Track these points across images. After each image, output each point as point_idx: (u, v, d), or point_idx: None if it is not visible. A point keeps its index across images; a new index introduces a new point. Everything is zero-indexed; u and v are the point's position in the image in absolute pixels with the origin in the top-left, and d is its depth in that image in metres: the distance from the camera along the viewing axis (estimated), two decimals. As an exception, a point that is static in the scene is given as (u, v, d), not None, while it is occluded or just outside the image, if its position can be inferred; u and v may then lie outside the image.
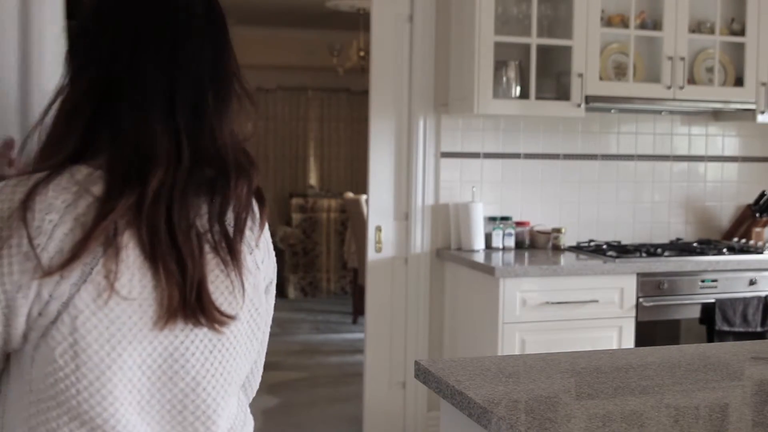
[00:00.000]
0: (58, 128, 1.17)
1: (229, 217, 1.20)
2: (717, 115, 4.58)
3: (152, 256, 1.13)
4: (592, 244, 4.29)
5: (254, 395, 1.41)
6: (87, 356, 1.11)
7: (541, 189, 4.37)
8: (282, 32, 9.30)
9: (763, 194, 4.58)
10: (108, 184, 1.13)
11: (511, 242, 4.17)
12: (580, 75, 3.98)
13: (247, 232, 1.23)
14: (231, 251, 1.19)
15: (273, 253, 1.32)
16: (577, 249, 4.21)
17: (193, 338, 1.18)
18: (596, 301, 3.76)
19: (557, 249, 4.20)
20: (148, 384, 1.16)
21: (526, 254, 4.10)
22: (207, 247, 1.17)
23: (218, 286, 1.18)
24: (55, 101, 1.18)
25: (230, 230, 1.20)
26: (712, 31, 4.24)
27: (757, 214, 4.54)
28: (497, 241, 4.14)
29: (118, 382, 1.13)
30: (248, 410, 1.35)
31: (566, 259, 3.98)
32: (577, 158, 4.42)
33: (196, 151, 1.17)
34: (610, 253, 4.03)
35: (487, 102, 3.90)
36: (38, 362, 1.12)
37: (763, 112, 4.27)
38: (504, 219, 4.20)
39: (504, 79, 4.04)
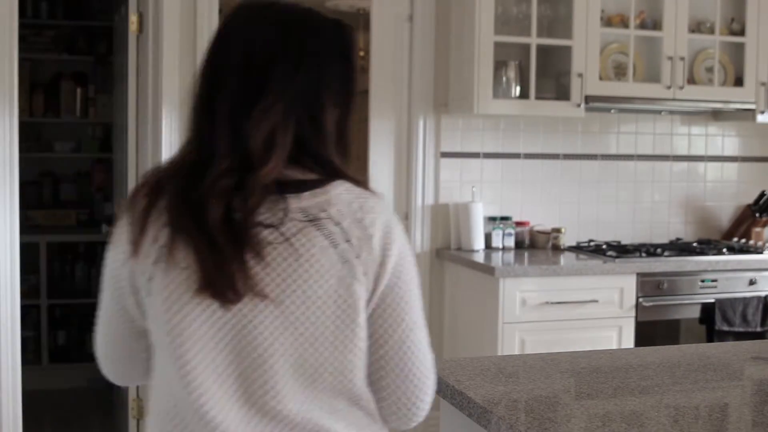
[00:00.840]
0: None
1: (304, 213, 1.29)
2: (717, 115, 4.58)
3: (198, 236, 1.26)
4: (591, 244, 4.29)
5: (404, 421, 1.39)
6: (156, 314, 1.30)
7: (541, 189, 4.37)
8: (282, 32, 9.29)
9: (762, 194, 4.58)
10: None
11: (510, 242, 4.17)
12: (580, 75, 3.98)
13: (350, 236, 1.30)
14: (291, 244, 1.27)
15: (386, 252, 1.32)
16: (577, 249, 4.21)
17: (260, 316, 1.27)
18: (596, 301, 3.76)
19: (557, 249, 4.19)
20: (222, 355, 1.27)
21: (526, 254, 4.10)
22: (267, 239, 1.27)
23: (270, 272, 1.26)
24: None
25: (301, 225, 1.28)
26: (711, 31, 4.24)
27: (757, 214, 4.54)
28: (497, 241, 4.14)
29: (190, 347, 1.27)
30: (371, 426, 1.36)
31: (566, 259, 3.98)
32: (577, 158, 4.42)
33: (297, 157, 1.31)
34: (609, 253, 4.03)
35: (487, 102, 3.90)
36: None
37: (762, 112, 4.27)
38: (504, 219, 4.20)
39: (504, 79, 4.04)
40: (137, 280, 1.32)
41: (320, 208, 1.30)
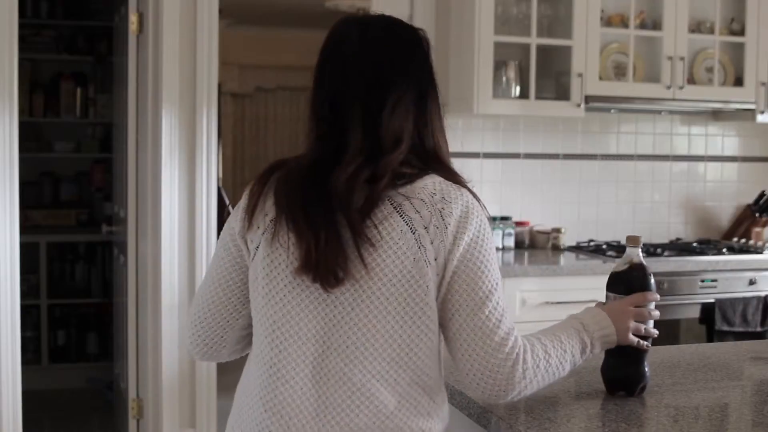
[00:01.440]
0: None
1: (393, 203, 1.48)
2: (717, 115, 4.58)
3: (295, 223, 1.47)
4: (591, 244, 4.29)
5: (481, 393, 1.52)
6: (257, 284, 1.52)
7: (540, 189, 4.37)
8: (282, 32, 9.29)
9: (762, 194, 4.58)
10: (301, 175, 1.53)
11: (510, 242, 4.17)
12: (580, 75, 3.98)
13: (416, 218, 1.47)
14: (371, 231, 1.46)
15: (450, 230, 1.49)
16: (577, 249, 4.21)
17: (343, 289, 1.46)
18: (596, 301, 3.75)
19: (557, 249, 4.19)
20: (306, 320, 1.49)
21: (526, 254, 4.10)
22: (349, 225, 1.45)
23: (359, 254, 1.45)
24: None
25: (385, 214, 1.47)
26: (711, 31, 4.24)
27: (757, 214, 4.54)
28: (497, 241, 4.14)
29: (283, 315, 1.49)
30: (431, 407, 1.52)
31: (566, 259, 3.98)
32: (577, 158, 4.42)
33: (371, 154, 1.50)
34: (609, 253, 4.03)
35: (487, 102, 3.90)
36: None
37: (762, 112, 4.27)
38: (504, 219, 4.20)
39: (504, 79, 4.04)
40: (247, 243, 1.54)
41: (406, 196, 1.48)
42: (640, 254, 1.73)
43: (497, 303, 1.50)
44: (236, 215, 1.57)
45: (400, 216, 1.46)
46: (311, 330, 1.48)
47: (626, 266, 1.72)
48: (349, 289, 1.46)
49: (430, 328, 1.50)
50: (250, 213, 1.52)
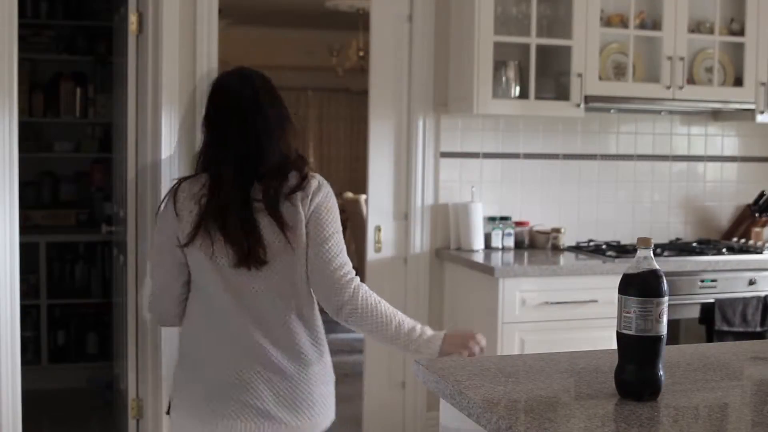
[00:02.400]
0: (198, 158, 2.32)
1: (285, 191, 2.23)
2: (716, 115, 4.58)
3: (222, 227, 2.20)
4: (591, 244, 4.29)
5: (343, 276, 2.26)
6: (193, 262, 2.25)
7: (540, 189, 4.37)
8: (281, 32, 9.29)
9: (762, 194, 4.58)
10: (209, 187, 2.22)
11: (510, 242, 4.17)
12: (580, 75, 3.98)
13: (297, 202, 2.23)
14: (277, 216, 2.20)
15: (322, 210, 2.26)
16: (577, 249, 4.22)
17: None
18: (596, 301, 3.76)
19: (557, 249, 4.20)
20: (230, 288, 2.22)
21: (526, 254, 4.10)
22: (265, 217, 2.20)
23: (270, 237, 2.19)
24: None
25: (276, 202, 2.21)
26: (711, 31, 4.24)
27: (757, 214, 4.54)
28: (497, 241, 4.14)
29: (212, 282, 2.24)
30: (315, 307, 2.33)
31: (566, 259, 3.98)
32: (577, 158, 4.42)
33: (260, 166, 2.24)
34: (609, 253, 4.04)
35: (487, 102, 3.90)
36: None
37: (762, 112, 4.27)
38: (503, 219, 4.20)
39: (503, 79, 4.04)
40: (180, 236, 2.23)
41: (289, 188, 2.23)
42: (651, 256, 1.73)
43: (336, 243, 2.24)
44: (169, 212, 2.25)
45: (286, 199, 2.21)
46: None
47: (639, 270, 1.72)
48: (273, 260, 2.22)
49: (302, 250, 2.23)
50: (180, 213, 2.23)
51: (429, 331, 2.25)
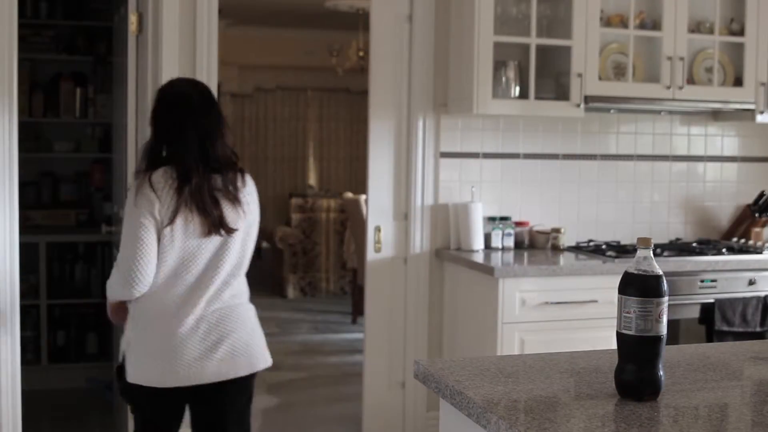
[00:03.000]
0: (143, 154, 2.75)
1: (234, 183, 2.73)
2: (716, 115, 4.58)
3: (199, 205, 2.63)
4: (591, 244, 4.29)
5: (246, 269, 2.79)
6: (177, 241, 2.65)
7: (540, 189, 4.37)
8: (281, 32, 9.29)
9: (762, 194, 4.58)
10: (177, 179, 2.63)
11: (510, 242, 4.17)
12: (580, 75, 3.98)
13: (242, 189, 2.73)
14: (236, 198, 2.70)
15: (255, 196, 2.80)
16: (577, 249, 4.22)
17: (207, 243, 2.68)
18: (595, 301, 3.76)
19: (556, 249, 4.20)
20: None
21: (526, 254, 4.10)
22: (224, 199, 2.68)
23: (230, 214, 2.68)
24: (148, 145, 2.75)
25: (233, 189, 2.70)
26: (711, 31, 4.24)
27: (757, 214, 4.54)
28: (496, 241, 4.14)
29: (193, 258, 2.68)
30: (245, 281, 2.81)
31: (565, 259, 3.98)
32: (577, 158, 4.43)
33: (213, 160, 2.68)
34: (609, 253, 4.04)
35: (487, 102, 3.90)
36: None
37: (762, 112, 4.27)
38: (503, 219, 4.20)
39: (503, 79, 4.04)
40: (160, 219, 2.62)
41: (240, 182, 2.74)
42: (651, 256, 1.73)
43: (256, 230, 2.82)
44: (148, 196, 2.60)
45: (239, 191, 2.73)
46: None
47: (640, 271, 1.73)
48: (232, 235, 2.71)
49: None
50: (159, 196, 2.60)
51: None
